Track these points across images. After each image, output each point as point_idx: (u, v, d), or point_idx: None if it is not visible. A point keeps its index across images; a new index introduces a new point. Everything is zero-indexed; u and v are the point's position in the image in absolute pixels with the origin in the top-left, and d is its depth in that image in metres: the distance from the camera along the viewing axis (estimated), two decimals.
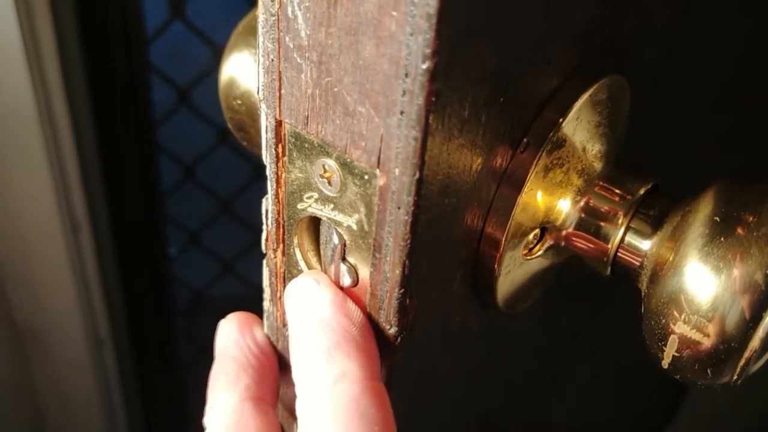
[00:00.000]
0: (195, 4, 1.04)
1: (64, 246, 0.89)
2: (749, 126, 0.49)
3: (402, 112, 0.20)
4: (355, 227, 0.24)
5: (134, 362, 1.17)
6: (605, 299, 0.46)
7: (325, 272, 0.26)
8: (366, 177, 0.22)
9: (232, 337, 0.30)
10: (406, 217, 0.22)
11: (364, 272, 0.24)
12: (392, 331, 0.25)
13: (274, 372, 0.29)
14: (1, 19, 0.71)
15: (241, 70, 0.34)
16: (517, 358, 0.38)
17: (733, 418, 1.02)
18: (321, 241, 0.26)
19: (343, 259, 0.25)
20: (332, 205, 0.24)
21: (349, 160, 0.23)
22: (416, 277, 0.24)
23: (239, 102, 0.34)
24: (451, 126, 0.21)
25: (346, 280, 0.25)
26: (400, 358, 0.26)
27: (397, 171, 0.21)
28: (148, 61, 0.97)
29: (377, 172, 0.22)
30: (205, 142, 1.15)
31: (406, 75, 0.20)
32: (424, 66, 0.19)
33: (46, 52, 0.77)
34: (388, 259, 0.23)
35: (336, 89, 0.22)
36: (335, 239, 0.25)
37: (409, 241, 0.22)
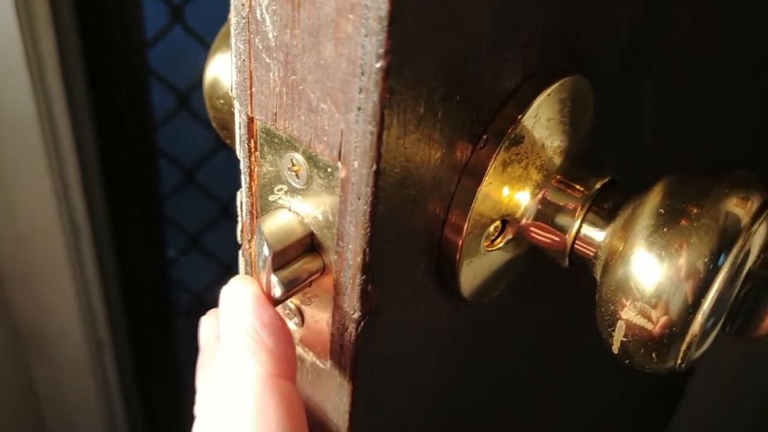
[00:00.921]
0: (194, 9, 1.05)
1: (64, 248, 0.89)
2: (715, 128, 0.50)
3: (359, 108, 0.22)
4: (321, 218, 0.25)
5: (134, 364, 1.18)
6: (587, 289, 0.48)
7: (257, 280, 0.27)
8: (329, 170, 0.24)
9: (213, 332, 0.31)
10: (365, 207, 0.23)
11: (330, 260, 0.26)
12: (356, 315, 0.26)
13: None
14: (1, 25, 0.73)
15: (224, 70, 0.36)
16: (494, 350, 0.39)
17: (728, 422, 1.03)
18: (256, 252, 0.27)
19: (274, 271, 0.26)
20: (300, 197, 0.26)
21: (313, 153, 0.24)
22: (377, 265, 0.25)
23: (222, 101, 0.36)
24: (406, 121, 0.23)
25: (277, 291, 0.26)
26: (365, 343, 0.27)
27: (356, 164, 0.23)
28: (147, 65, 0.99)
29: (339, 165, 0.23)
30: (204, 145, 1.17)
31: (362, 73, 0.21)
32: (378, 65, 0.21)
33: (46, 56, 0.78)
34: (350, 247, 0.25)
35: (301, 87, 0.23)
36: (265, 251, 0.26)
37: (368, 230, 0.24)
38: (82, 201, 0.90)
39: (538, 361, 0.48)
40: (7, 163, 0.81)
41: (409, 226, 0.26)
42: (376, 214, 0.24)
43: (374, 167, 0.22)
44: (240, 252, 0.30)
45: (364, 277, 0.25)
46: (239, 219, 0.29)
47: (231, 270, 1.32)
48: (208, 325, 0.32)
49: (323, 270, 0.26)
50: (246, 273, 0.30)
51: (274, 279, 0.26)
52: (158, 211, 1.12)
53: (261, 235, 0.25)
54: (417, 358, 0.32)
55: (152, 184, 1.09)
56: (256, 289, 0.27)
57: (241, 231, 0.29)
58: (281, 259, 0.26)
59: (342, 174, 0.23)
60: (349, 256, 0.25)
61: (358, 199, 0.23)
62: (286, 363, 0.26)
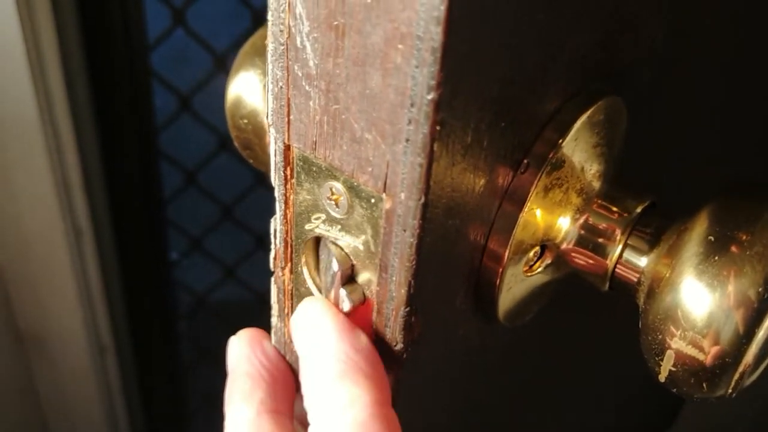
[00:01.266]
0: (195, 11, 1.05)
1: (66, 251, 0.89)
2: (745, 142, 0.49)
3: (408, 140, 0.21)
4: (361, 248, 0.25)
5: (136, 367, 1.17)
6: (604, 312, 0.47)
7: (326, 297, 0.27)
8: (372, 200, 0.23)
9: (244, 353, 0.30)
10: (412, 240, 0.23)
11: (371, 291, 0.25)
12: (398, 347, 0.25)
13: (288, 384, 0.30)
14: (3, 27, 0.72)
15: (248, 89, 0.35)
16: (517, 369, 0.39)
17: (732, 425, 1.03)
18: (321, 267, 0.27)
19: (343, 285, 0.25)
20: (339, 227, 0.25)
21: (356, 184, 0.23)
22: (421, 296, 0.24)
23: (245, 121, 0.35)
24: (454, 152, 0.22)
25: (346, 306, 0.26)
26: (406, 373, 0.26)
27: (402, 195, 0.22)
28: (149, 68, 0.98)
29: (383, 196, 0.23)
30: (206, 147, 1.16)
31: (412, 105, 0.20)
32: (429, 97, 0.20)
33: (48, 58, 0.78)
34: (393, 279, 0.24)
35: (344, 116, 0.22)
36: (335, 266, 0.25)
37: (414, 262, 0.23)
38: (84, 204, 0.90)
39: (559, 376, 0.48)
40: (9, 166, 0.81)
41: (452, 255, 0.25)
42: (422, 246, 0.23)
43: (422, 200, 0.22)
44: (272, 279, 0.29)
45: (407, 309, 0.24)
46: (273, 246, 0.28)
47: (233, 273, 1.31)
48: (237, 346, 0.31)
49: (363, 301, 0.26)
50: (278, 299, 0.29)
51: (342, 292, 0.25)
52: (160, 213, 1.12)
53: (329, 252, 0.25)
54: (452, 381, 0.32)
55: (154, 186, 1.08)
56: (336, 311, 0.26)
57: (274, 258, 0.28)
58: (346, 275, 0.25)
59: (387, 205, 0.23)
60: (392, 287, 0.24)
61: (404, 231, 0.23)
62: (386, 388, 0.25)
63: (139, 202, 1.06)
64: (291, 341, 0.30)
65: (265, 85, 0.35)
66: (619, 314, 0.51)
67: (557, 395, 0.50)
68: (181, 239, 1.26)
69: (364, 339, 0.26)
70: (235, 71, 0.35)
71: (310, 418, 0.25)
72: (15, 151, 0.80)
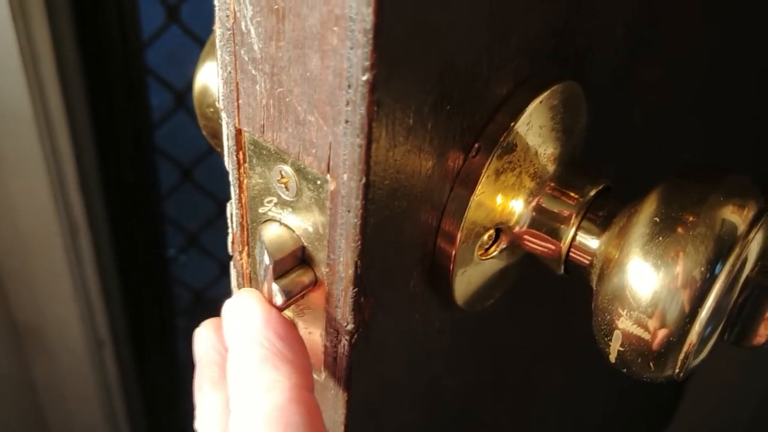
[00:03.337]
0: (190, 8, 1.05)
1: (62, 247, 0.90)
2: (715, 129, 0.50)
3: (347, 121, 0.21)
4: (311, 230, 0.25)
5: (134, 363, 1.18)
6: (582, 295, 0.48)
7: (260, 291, 0.27)
8: (318, 182, 0.24)
9: (210, 343, 0.31)
10: (356, 220, 0.23)
11: (321, 273, 0.26)
12: (349, 327, 0.26)
13: None
14: None
15: (213, 78, 0.35)
16: (490, 352, 0.39)
17: (731, 419, 1.03)
18: (255, 262, 0.27)
19: (284, 274, 0.26)
20: (290, 209, 0.25)
21: (302, 166, 0.24)
22: (370, 277, 0.25)
23: (212, 110, 0.36)
24: (395, 133, 0.22)
25: (279, 299, 0.26)
26: (359, 354, 0.27)
27: (345, 176, 0.22)
28: (144, 65, 0.98)
29: (328, 177, 0.23)
30: (202, 144, 1.16)
31: (349, 86, 0.21)
32: (365, 78, 0.20)
33: (42, 56, 0.78)
34: (341, 259, 0.24)
35: (287, 99, 0.23)
36: (266, 260, 0.25)
37: (359, 243, 0.23)
38: (80, 200, 0.90)
39: (532, 365, 0.48)
40: (4, 163, 0.81)
41: (401, 237, 0.26)
42: (367, 227, 0.23)
43: (363, 180, 0.22)
44: (231, 263, 0.30)
45: (356, 289, 0.25)
46: (230, 230, 0.29)
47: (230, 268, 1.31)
48: (204, 336, 0.31)
49: (315, 282, 0.26)
50: (238, 284, 0.30)
51: (275, 287, 0.25)
52: (157, 209, 1.12)
53: (262, 244, 0.25)
54: (411, 367, 0.32)
55: (150, 183, 1.09)
56: (265, 301, 0.27)
57: (232, 242, 0.29)
58: (280, 269, 0.25)
59: (331, 187, 0.23)
60: (340, 268, 0.25)
61: (348, 211, 0.23)
62: (307, 374, 0.26)
63: (135, 198, 1.06)
64: None
65: None
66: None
67: (537, 383, 0.51)
68: (179, 235, 1.27)
69: (289, 326, 0.26)
70: (202, 61, 0.36)
71: (232, 403, 0.25)
72: (10, 147, 0.80)
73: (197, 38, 1.06)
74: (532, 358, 0.47)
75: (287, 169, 0.25)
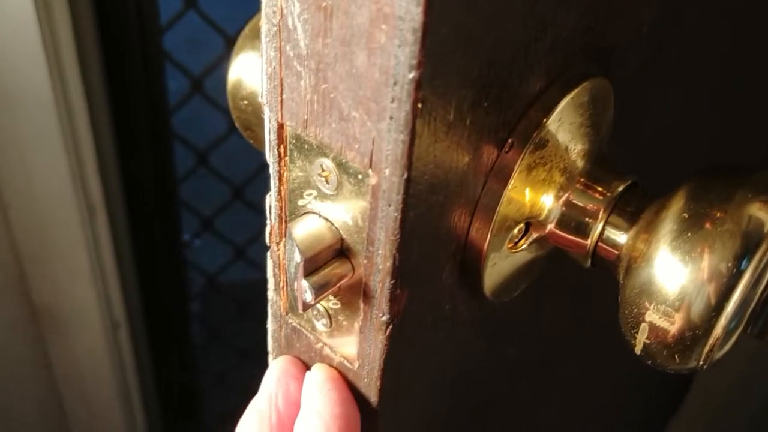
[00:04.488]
0: None
1: (80, 229, 0.90)
2: (735, 126, 0.50)
3: (391, 118, 0.22)
4: (350, 223, 0.26)
5: (149, 345, 1.19)
6: (605, 287, 0.48)
7: (290, 288, 0.28)
8: (360, 177, 0.24)
9: (270, 386, 0.32)
10: (396, 214, 0.24)
11: (360, 265, 0.26)
12: (384, 318, 0.27)
13: None
14: (19, 10, 0.73)
15: (248, 71, 0.36)
16: (513, 342, 0.40)
17: (738, 409, 1.03)
18: (286, 259, 0.27)
19: (305, 276, 0.26)
20: (330, 202, 0.26)
21: (344, 160, 0.25)
22: (406, 269, 0.26)
23: (246, 102, 0.36)
24: (437, 129, 0.23)
25: (309, 297, 0.26)
26: (393, 344, 0.28)
27: (387, 171, 0.23)
28: (162, 50, 0.99)
29: (370, 172, 0.24)
30: (218, 129, 1.17)
31: (395, 83, 0.22)
32: (411, 75, 0.21)
33: (63, 40, 0.79)
34: (379, 252, 0.25)
35: (332, 95, 0.24)
36: (297, 257, 0.26)
37: (398, 236, 0.24)
38: (97, 182, 0.91)
39: (553, 354, 0.49)
40: (24, 145, 0.82)
41: (436, 230, 0.27)
42: (406, 221, 0.24)
43: (405, 175, 0.23)
44: (268, 254, 0.30)
45: (393, 281, 0.25)
46: (268, 222, 0.30)
47: (243, 253, 1.33)
48: (270, 372, 0.32)
49: (352, 274, 0.27)
50: (274, 274, 0.31)
51: (305, 284, 0.26)
52: (173, 193, 1.13)
53: (292, 242, 0.26)
54: (440, 357, 0.33)
55: (167, 167, 1.10)
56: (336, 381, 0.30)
57: (270, 234, 0.30)
58: (312, 265, 0.26)
59: (373, 181, 0.24)
60: (378, 260, 0.25)
61: (389, 205, 0.24)
62: None
63: (152, 181, 1.07)
64: (286, 314, 0.31)
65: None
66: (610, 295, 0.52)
67: (556, 372, 0.52)
68: (194, 219, 1.28)
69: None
70: (236, 54, 0.37)
71: None
72: (30, 131, 0.81)
73: (214, 24, 1.07)
74: (551, 349, 0.48)
75: (328, 163, 0.25)
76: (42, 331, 1.00)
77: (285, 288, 0.31)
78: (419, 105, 0.22)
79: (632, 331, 0.27)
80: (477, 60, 0.24)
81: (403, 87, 0.21)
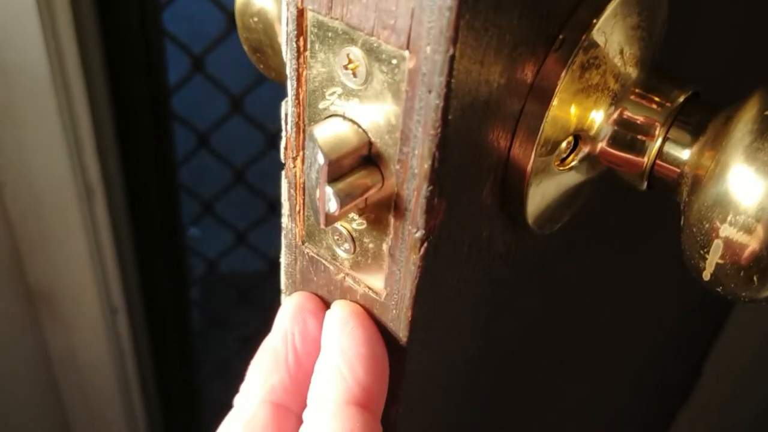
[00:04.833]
0: None
1: (77, 211, 0.88)
2: None
3: None
4: (381, 122, 0.23)
5: (147, 330, 1.17)
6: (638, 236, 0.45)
7: (310, 197, 0.24)
8: (394, 62, 0.21)
9: (285, 324, 0.28)
10: (438, 101, 0.20)
11: (390, 172, 0.23)
12: (419, 234, 0.23)
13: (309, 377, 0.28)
14: None
15: None
16: (544, 293, 0.37)
17: (747, 399, 1.02)
18: (305, 164, 0.24)
19: (329, 183, 0.23)
20: (357, 100, 0.23)
21: (375, 44, 0.21)
22: (445, 175, 0.22)
23: (255, 20, 0.33)
24: (486, 2, 0.20)
25: (332, 206, 0.23)
26: (427, 267, 0.24)
27: (428, 49, 0.20)
28: (162, 28, 0.96)
29: (406, 53, 0.21)
30: (219, 110, 1.15)
31: None
32: None
33: (60, 18, 0.77)
34: (416, 152, 0.22)
35: None
36: (320, 158, 0.22)
37: (439, 130, 0.21)
38: (95, 163, 0.89)
39: (579, 315, 0.46)
40: (21, 124, 0.80)
41: (480, 133, 0.23)
42: (449, 111, 0.21)
43: (451, 51, 0.20)
44: (283, 173, 0.27)
45: (430, 187, 0.22)
46: (283, 134, 0.26)
47: (244, 239, 1.30)
48: (284, 310, 0.29)
49: (382, 185, 0.23)
50: (289, 195, 0.27)
51: (329, 191, 0.22)
52: (173, 177, 1.10)
53: (314, 143, 0.22)
54: (473, 291, 0.29)
55: (167, 149, 1.07)
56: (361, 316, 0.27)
57: (285, 147, 0.26)
58: (337, 170, 0.23)
59: (410, 64, 0.21)
60: (414, 163, 0.22)
61: (429, 92, 0.20)
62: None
63: (151, 164, 1.04)
64: (302, 244, 0.28)
65: None
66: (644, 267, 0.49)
67: (581, 337, 0.48)
68: (193, 203, 1.25)
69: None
70: None
71: (308, 414, 0.26)
72: (27, 111, 0.80)
73: (215, 2, 1.04)
74: (578, 308, 0.44)
75: (356, 51, 0.22)
76: (38, 316, 0.98)
77: (302, 212, 0.27)
78: None
79: (702, 252, 0.24)
80: None
81: None
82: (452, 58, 0.20)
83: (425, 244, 0.23)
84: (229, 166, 1.22)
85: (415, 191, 0.22)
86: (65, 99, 0.81)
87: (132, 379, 1.12)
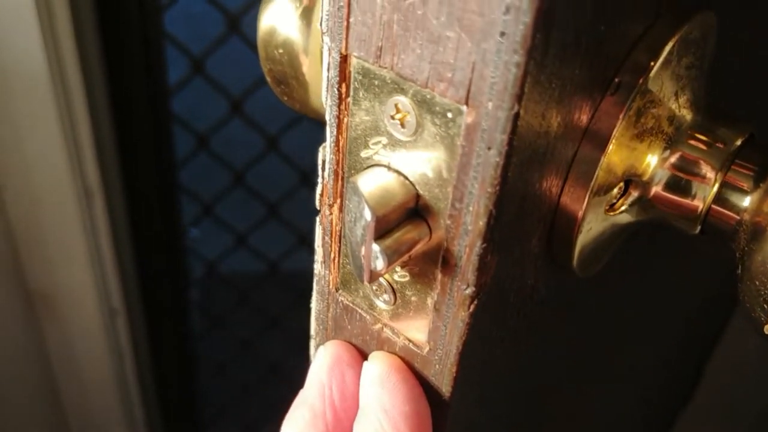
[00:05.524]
0: None
1: (77, 213, 0.88)
2: None
3: (503, 34, 0.17)
4: (431, 175, 0.21)
5: (147, 332, 1.16)
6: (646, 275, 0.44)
7: (353, 252, 0.23)
8: (449, 115, 0.20)
9: (321, 376, 0.27)
10: (497, 159, 0.19)
11: (439, 226, 0.22)
12: (469, 291, 0.22)
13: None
14: None
15: (282, 16, 0.31)
16: (579, 328, 0.35)
17: (748, 402, 1.01)
18: (347, 219, 0.22)
19: (376, 240, 0.21)
20: (404, 151, 0.22)
21: (429, 96, 0.20)
22: (500, 230, 0.21)
23: (281, 51, 0.31)
24: (553, 53, 0.19)
25: (379, 264, 0.22)
26: (475, 324, 0.23)
27: (490, 105, 0.18)
28: (162, 30, 0.95)
29: (464, 108, 0.19)
30: (219, 111, 1.13)
31: None
32: None
33: (59, 18, 0.76)
34: (470, 208, 0.20)
35: (419, 12, 0.19)
36: (367, 214, 0.21)
37: (497, 188, 0.20)
38: (94, 165, 0.88)
39: (605, 343, 0.44)
40: (19, 126, 0.78)
41: (535, 185, 0.22)
42: (508, 168, 0.19)
43: (515, 108, 0.18)
44: (317, 219, 0.26)
45: (484, 245, 0.21)
46: (319, 180, 0.25)
47: (245, 240, 1.28)
48: (320, 363, 0.27)
49: (429, 238, 0.22)
50: (323, 242, 0.26)
51: (376, 248, 0.21)
52: (172, 178, 1.09)
53: (360, 197, 0.21)
54: (515, 339, 0.28)
55: (166, 150, 1.05)
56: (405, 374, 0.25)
57: (321, 194, 0.25)
58: (383, 227, 0.21)
59: (468, 119, 0.19)
60: (467, 219, 0.21)
61: (489, 149, 0.19)
62: None
63: (150, 166, 1.03)
64: (335, 291, 0.27)
65: (300, 11, 0.31)
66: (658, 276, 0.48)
67: (604, 362, 0.47)
68: (193, 205, 1.24)
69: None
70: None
71: None
72: (25, 111, 0.78)
73: (216, 3, 1.02)
74: (605, 337, 0.43)
75: (406, 101, 0.21)
76: (37, 318, 0.97)
77: (337, 259, 0.26)
78: (542, 17, 0.17)
79: (765, 306, 0.23)
80: None
81: None
82: (516, 116, 0.18)
83: (475, 301, 0.22)
84: (229, 167, 1.21)
85: (467, 248, 0.21)
86: (64, 100, 0.80)
87: (131, 381, 1.11)
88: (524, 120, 0.19)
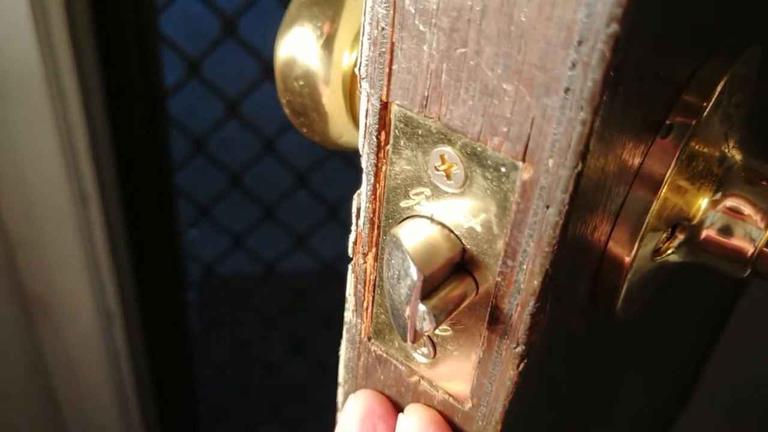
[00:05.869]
0: None
1: (73, 217, 0.87)
2: None
3: (568, 90, 0.16)
4: (479, 229, 0.20)
5: (144, 335, 1.14)
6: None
7: (395, 311, 0.21)
8: (503, 170, 0.18)
9: (351, 429, 0.25)
10: (557, 218, 0.18)
11: (488, 282, 0.21)
12: (518, 350, 0.21)
13: None
14: None
15: (302, 46, 0.30)
16: (615, 362, 0.34)
17: (747, 403, 1.01)
18: (387, 274, 0.21)
19: (422, 299, 0.20)
20: (449, 203, 0.20)
21: (480, 149, 0.19)
22: (553, 288, 0.20)
23: (301, 83, 0.30)
24: (617, 107, 0.17)
25: (427, 325, 0.20)
26: (523, 382, 0.22)
27: (550, 162, 0.17)
28: (159, 31, 0.93)
29: (520, 164, 0.18)
30: (216, 114, 1.12)
31: (580, 42, 0.16)
32: (610, 30, 0.15)
33: (55, 21, 0.75)
34: (524, 267, 0.19)
35: (472, 63, 0.18)
36: (413, 273, 0.20)
37: (555, 247, 0.18)
38: (90, 169, 0.88)
39: (632, 368, 0.43)
40: (15, 131, 0.78)
41: (588, 236, 0.21)
42: (568, 227, 0.18)
43: (579, 167, 0.17)
44: (350, 267, 0.24)
45: (537, 304, 0.20)
46: (353, 228, 0.23)
47: (242, 242, 1.27)
48: (350, 414, 0.26)
49: (476, 294, 0.21)
50: (356, 291, 0.25)
51: (422, 309, 0.20)
52: (169, 180, 1.08)
53: (404, 254, 0.20)
54: (557, 390, 0.27)
55: (162, 152, 1.04)
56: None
57: (355, 242, 0.24)
58: (430, 285, 0.20)
59: (525, 175, 0.18)
60: (520, 278, 0.19)
61: (547, 207, 0.18)
62: None
63: (147, 168, 1.02)
64: (368, 341, 0.25)
65: (322, 41, 0.30)
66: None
67: (627, 382, 0.46)
68: (190, 207, 1.23)
69: None
70: (288, 26, 0.30)
71: None
72: (21, 115, 0.78)
73: (211, 4, 1.01)
74: (633, 364, 0.42)
75: (452, 152, 0.19)
76: (34, 322, 0.96)
77: (370, 309, 0.25)
78: (612, 72, 0.16)
79: None
80: (665, 16, 0.18)
81: (594, 47, 0.15)
82: (579, 174, 0.17)
83: (525, 360, 0.21)
84: (226, 169, 1.19)
85: (519, 306, 0.20)
86: (60, 103, 0.79)
87: (129, 384, 1.10)
88: (588, 177, 0.18)
